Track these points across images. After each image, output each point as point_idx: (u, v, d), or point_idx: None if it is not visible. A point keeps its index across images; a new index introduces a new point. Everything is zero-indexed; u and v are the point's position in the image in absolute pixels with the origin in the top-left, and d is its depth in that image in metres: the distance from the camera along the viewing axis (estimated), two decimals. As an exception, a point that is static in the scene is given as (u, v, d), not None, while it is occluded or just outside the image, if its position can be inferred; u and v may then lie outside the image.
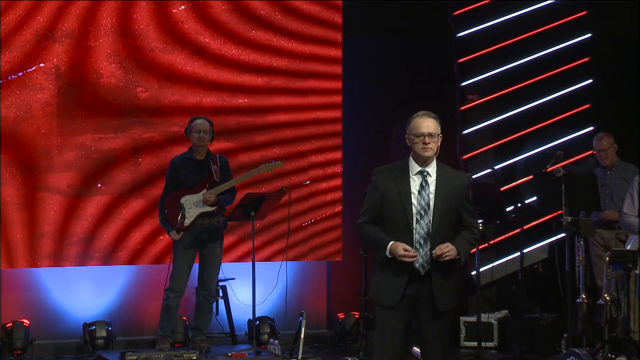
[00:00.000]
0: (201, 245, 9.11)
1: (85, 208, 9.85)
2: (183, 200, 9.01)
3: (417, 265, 5.93)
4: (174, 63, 10.12)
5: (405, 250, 5.89)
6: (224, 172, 9.15)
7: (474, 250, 9.85)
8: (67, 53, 9.82)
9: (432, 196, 5.97)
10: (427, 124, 6.01)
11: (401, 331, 6.01)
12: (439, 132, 6.04)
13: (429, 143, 5.97)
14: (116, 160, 9.94)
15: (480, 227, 9.70)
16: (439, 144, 6.06)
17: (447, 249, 5.88)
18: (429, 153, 5.99)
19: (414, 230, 5.94)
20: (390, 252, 5.92)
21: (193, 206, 9.00)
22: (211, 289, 9.21)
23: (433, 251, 5.90)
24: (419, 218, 5.95)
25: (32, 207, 9.71)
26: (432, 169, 6.03)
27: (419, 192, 5.98)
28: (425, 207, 5.95)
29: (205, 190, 9.00)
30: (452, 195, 6.00)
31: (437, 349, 6.05)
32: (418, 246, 5.94)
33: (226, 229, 9.35)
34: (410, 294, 5.96)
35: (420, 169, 6.02)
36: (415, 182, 6.01)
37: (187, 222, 9.00)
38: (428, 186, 5.99)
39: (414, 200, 5.97)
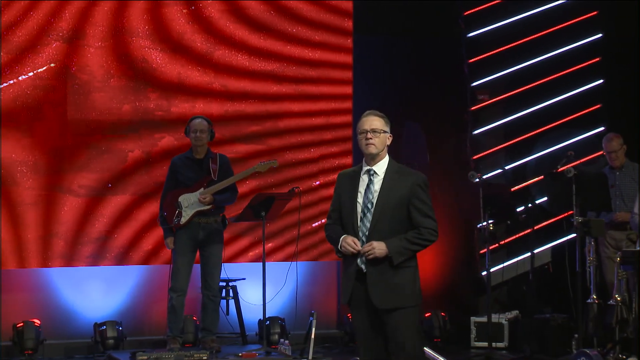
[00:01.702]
0: (200, 244, 9.10)
1: (96, 208, 9.88)
2: (180, 199, 9.02)
3: (359, 262, 5.96)
4: (184, 64, 10.14)
5: (353, 241, 5.93)
6: (223, 171, 9.14)
7: (484, 250, 9.85)
8: (78, 53, 9.85)
9: (376, 194, 5.99)
10: (371, 122, 6.05)
11: (369, 328, 6.00)
12: (385, 129, 6.05)
13: (371, 139, 5.99)
14: (127, 160, 9.97)
15: (491, 228, 9.70)
16: (388, 143, 6.07)
17: (368, 247, 5.89)
18: (371, 149, 6.01)
19: (358, 229, 5.99)
20: (341, 246, 5.98)
21: (189, 205, 9.01)
22: (214, 289, 9.20)
23: None
24: (362, 216, 5.99)
25: (43, 207, 9.74)
26: (380, 167, 6.05)
27: (365, 190, 6.02)
28: (369, 205, 5.98)
29: (202, 189, 9.02)
30: (399, 194, 5.97)
31: (393, 347, 5.95)
32: (361, 244, 5.96)
33: (226, 228, 9.31)
34: (357, 292, 5.98)
35: (368, 167, 6.06)
36: (363, 181, 6.05)
37: (183, 220, 9.01)
38: (373, 185, 6.01)
39: (359, 199, 6.02)
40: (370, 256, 5.90)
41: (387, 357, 6.01)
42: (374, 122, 6.05)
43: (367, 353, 6.06)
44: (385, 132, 6.06)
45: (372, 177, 6.03)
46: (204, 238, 9.09)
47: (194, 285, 9.27)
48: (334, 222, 6.15)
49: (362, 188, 6.03)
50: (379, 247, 5.89)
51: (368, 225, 5.96)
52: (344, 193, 6.09)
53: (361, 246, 5.94)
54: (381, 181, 6.01)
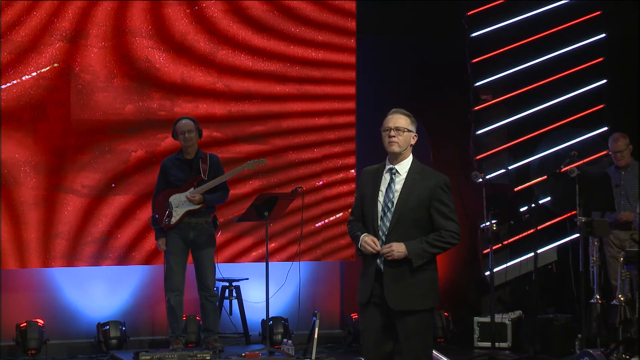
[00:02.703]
0: (191, 245, 9.09)
1: (99, 208, 9.88)
2: (171, 199, 9.01)
3: (378, 262, 5.92)
4: (187, 64, 10.14)
5: (373, 241, 5.88)
6: (213, 171, 9.12)
7: (487, 250, 9.84)
8: (81, 53, 9.85)
9: (397, 194, 5.93)
10: (395, 120, 6.01)
11: (380, 329, 5.95)
12: (410, 128, 5.99)
13: (394, 137, 5.95)
14: (130, 160, 9.97)
15: (494, 228, 9.71)
16: (412, 142, 6.01)
17: (387, 249, 5.84)
18: (394, 147, 5.96)
19: (378, 227, 5.94)
20: (360, 245, 5.94)
21: (180, 204, 9.00)
22: (210, 289, 9.17)
23: None
24: (382, 215, 5.93)
25: (46, 207, 9.74)
26: (403, 167, 5.99)
27: (386, 189, 5.97)
28: (389, 204, 5.93)
29: (192, 189, 9.01)
30: (420, 195, 5.90)
31: (405, 349, 5.92)
32: (380, 243, 5.92)
33: (217, 228, 9.28)
34: (376, 292, 5.93)
35: (391, 166, 6.02)
36: (385, 180, 6.00)
37: (173, 220, 9.00)
38: (395, 184, 5.96)
39: (380, 198, 5.96)
40: (389, 257, 5.85)
41: (389, 356, 5.98)
42: (398, 120, 6.01)
43: (373, 354, 6.01)
44: (409, 131, 5.99)
45: (394, 176, 5.97)
46: (195, 238, 9.07)
47: (195, 285, 9.25)
48: (356, 219, 6.09)
49: (383, 186, 5.98)
50: (398, 249, 5.83)
51: (388, 224, 5.90)
52: (367, 190, 6.04)
53: (381, 245, 5.89)
54: (403, 181, 5.95)
